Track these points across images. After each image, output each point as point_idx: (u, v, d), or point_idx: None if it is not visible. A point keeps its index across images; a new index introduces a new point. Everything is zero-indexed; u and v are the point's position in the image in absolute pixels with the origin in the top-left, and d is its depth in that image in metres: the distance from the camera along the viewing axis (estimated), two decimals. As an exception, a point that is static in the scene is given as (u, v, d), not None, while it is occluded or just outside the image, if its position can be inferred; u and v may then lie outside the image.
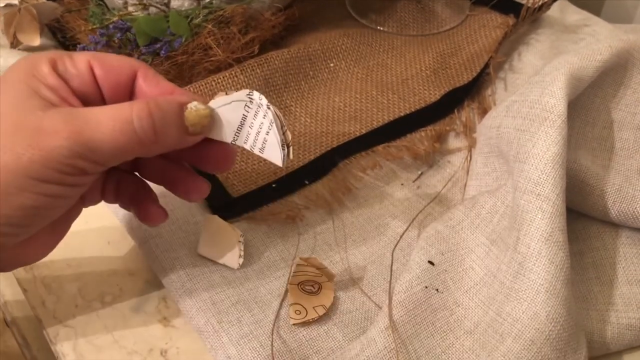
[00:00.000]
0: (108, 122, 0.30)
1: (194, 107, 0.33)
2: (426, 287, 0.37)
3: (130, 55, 0.50)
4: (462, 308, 0.37)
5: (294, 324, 0.37)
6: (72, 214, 0.35)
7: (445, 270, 0.38)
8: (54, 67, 0.32)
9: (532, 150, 0.37)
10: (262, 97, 0.34)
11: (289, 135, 0.35)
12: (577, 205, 0.42)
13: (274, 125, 0.34)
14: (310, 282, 0.38)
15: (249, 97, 0.34)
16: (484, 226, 0.40)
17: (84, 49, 0.51)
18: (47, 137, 0.29)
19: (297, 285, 0.38)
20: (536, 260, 0.34)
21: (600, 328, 0.37)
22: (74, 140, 0.29)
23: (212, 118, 0.34)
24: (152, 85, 0.34)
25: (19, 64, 0.32)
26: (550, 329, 0.33)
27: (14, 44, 0.56)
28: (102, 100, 0.34)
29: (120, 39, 0.50)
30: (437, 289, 0.37)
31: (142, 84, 0.34)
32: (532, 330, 0.33)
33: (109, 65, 0.33)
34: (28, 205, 0.29)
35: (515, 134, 0.39)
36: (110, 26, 0.50)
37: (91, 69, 0.33)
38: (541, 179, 0.36)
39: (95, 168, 0.31)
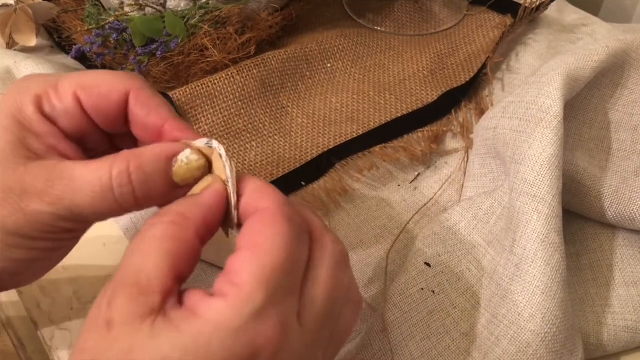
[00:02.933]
0: (89, 190, 0.28)
1: (186, 159, 0.29)
2: (422, 289, 0.37)
3: (126, 56, 0.50)
4: (458, 310, 0.37)
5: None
6: (65, 254, 0.34)
7: (442, 272, 0.38)
8: (40, 108, 0.30)
9: (528, 152, 0.37)
10: (222, 147, 0.30)
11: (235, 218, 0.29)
12: (574, 207, 0.42)
13: (230, 180, 0.29)
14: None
15: (208, 145, 0.30)
16: (481, 227, 0.40)
17: (79, 49, 0.51)
18: (30, 202, 0.28)
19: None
20: (532, 262, 0.34)
21: (597, 330, 0.37)
22: (57, 207, 0.28)
23: (205, 168, 0.30)
24: (143, 113, 0.31)
25: (5, 104, 0.30)
26: (547, 331, 0.33)
27: (10, 44, 0.56)
28: (97, 129, 0.32)
29: (116, 40, 0.50)
30: (433, 291, 0.37)
31: (134, 109, 0.31)
32: (528, 332, 0.33)
33: (97, 94, 0.30)
34: (21, 258, 0.29)
35: (512, 135, 0.39)
36: (107, 27, 0.50)
37: (79, 101, 0.30)
38: (537, 181, 0.36)
39: (81, 226, 0.30)
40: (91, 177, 0.28)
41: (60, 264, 0.40)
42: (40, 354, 0.41)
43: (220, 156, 0.30)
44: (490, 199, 0.41)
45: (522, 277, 0.34)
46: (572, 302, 0.38)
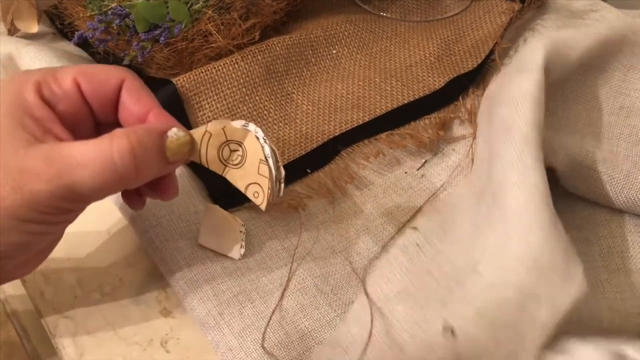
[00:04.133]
0: (89, 164, 0.29)
1: (175, 134, 0.32)
2: (404, 245, 0.37)
3: (129, 42, 0.49)
4: (443, 255, 0.36)
5: (265, 208, 0.36)
6: (58, 238, 0.35)
7: (429, 229, 0.38)
8: (39, 93, 0.31)
9: (507, 94, 0.37)
10: (258, 129, 0.34)
11: (283, 172, 0.35)
12: (584, 192, 0.41)
13: (270, 159, 0.34)
14: (229, 150, 0.36)
15: (244, 127, 0.34)
16: (472, 187, 0.39)
17: (82, 35, 0.50)
18: (29, 180, 0.28)
19: (222, 161, 0.36)
20: (504, 185, 0.33)
21: (610, 316, 0.37)
22: (55, 184, 0.28)
23: (193, 145, 0.34)
24: (133, 100, 0.33)
25: (6, 89, 0.31)
26: (526, 253, 0.31)
27: (12, 31, 0.56)
28: (90, 116, 0.34)
29: (119, 26, 0.49)
30: (417, 244, 0.37)
31: (125, 96, 0.33)
32: (506, 257, 0.31)
33: (96, 80, 0.33)
34: (14, 242, 0.29)
35: (497, 89, 0.40)
36: (109, 12, 0.49)
37: (78, 86, 0.32)
38: (510, 115, 0.36)
39: (78, 206, 0.31)
40: (91, 153, 0.29)
41: (64, 253, 0.40)
42: (44, 342, 0.41)
43: (257, 138, 0.35)
44: (478, 160, 0.40)
45: (498, 202, 0.33)
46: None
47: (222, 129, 0.34)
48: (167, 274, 0.39)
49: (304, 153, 0.46)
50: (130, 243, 0.41)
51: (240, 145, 0.35)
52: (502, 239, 0.32)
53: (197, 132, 0.34)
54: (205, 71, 0.48)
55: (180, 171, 0.44)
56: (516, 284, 0.31)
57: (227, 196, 0.42)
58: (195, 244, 0.40)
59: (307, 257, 0.40)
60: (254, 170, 0.35)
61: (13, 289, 0.42)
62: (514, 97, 0.37)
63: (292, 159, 0.46)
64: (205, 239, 0.40)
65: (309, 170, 0.45)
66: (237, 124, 0.35)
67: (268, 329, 0.36)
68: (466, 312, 0.31)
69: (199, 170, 0.44)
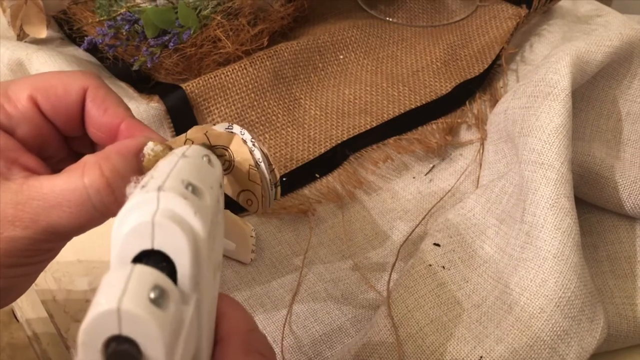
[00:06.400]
0: (63, 204, 0.26)
1: (151, 151, 0.28)
2: (430, 265, 0.37)
3: (138, 47, 0.49)
4: (470, 284, 0.36)
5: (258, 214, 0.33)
6: (42, 269, 0.32)
7: (453, 250, 0.38)
8: None
9: (536, 124, 0.37)
10: (245, 131, 0.31)
11: (277, 174, 0.32)
12: (592, 198, 0.41)
13: (261, 164, 0.31)
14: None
15: (228, 131, 0.31)
16: (494, 208, 0.39)
17: (91, 41, 0.50)
18: (4, 228, 0.26)
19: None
20: (542, 228, 0.34)
21: (617, 322, 0.37)
22: (33, 230, 0.26)
23: None
24: (100, 112, 0.29)
25: None
26: (560, 295, 0.32)
27: (21, 36, 0.56)
28: (56, 133, 0.30)
29: (128, 31, 0.49)
30: (443, 267, 0.37)
31: (90, 108, 0.30)
32: (541, 297, 0.32)
33: (54, 94, 0.29)
34: (1, 287, 0.27)
35: (520, 112, 0.39)
36: (118, 18, 0.50)
37: (36, 104, 0.29)
38: (544, 149, 0.36)
39: (61, 243, 0.29)
40: (63, 190, 0.26)
41: (76, 256, 0.40)
42: (54, 346, 0.41)
43: (245, 141, 0.30)
44: (502, 180, 0.40)
45: (533, 243, 0.34)
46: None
47: (205, 134, 0.31)
48: (178, 278, 0.39)
49: (312, 158, 0.46)
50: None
51: (227, 150, 0.32)
52: (537, 279, 0.33)
53: (176, 142, 0.30)
54: (214, 77, 0.48)
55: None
56: (550, 325, 0.32)
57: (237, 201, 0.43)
58: (205, 249, 0.40)
59: (317, 262, 0.40)
60: (243, 176, 0.32)
61: (25, 293, 0.42)
62: (545, 130, 0.36)
63: (300, 164, 0.46)
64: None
65: (317, 175, 0.46)
66: (220, 127, 0.31)
67: (279, 334, 0.36)
68: (501, 351, 0.32)
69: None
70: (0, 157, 0.27)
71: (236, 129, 0.31)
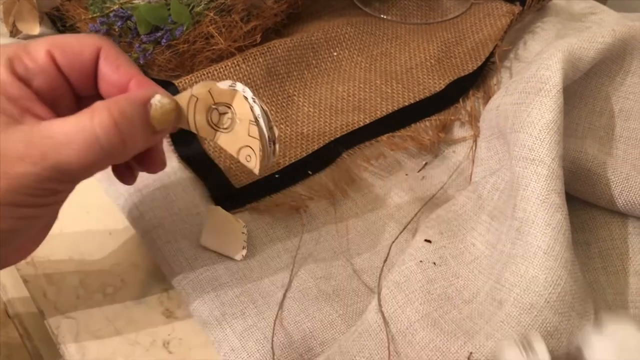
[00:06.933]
0: (72, 142, 0.28)
1: (159, 102, 0.30)
2: (421, 262, 0.37)
3: (131, 44, 0.49)
4: (461, 280, 0.36)
5: (259, 172, 0.33)
6: (52, 220, 0.34)
7: (444, 247, 0.38)
8: (13, 70, 0.29)
9: (527, 119, 0.37)
10: (246, 89, 0.32)
11: (276, 131, 0.33)
12: (584, 195, 0.41)
13: (260, 119, 0.32)
14: (218, 114, 0.33)
15: (231, 88, 0.32)
16: (486, 205, 0.39)
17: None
18: (13, 164, 0.27)
19: (212, 126, 0.33)
20: (532, 224, 0.34)
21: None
22: (41, 167, 0.27)
23: (179, 111, 0.31)
24: (112, 69, 0.31)
25: None
26: (550, 292, 0.32)
27: (14, 32, 0.56)
28: (69, 90, 0.32)
29: (120, 28, 0.49)
30: (434, 262, 0.37)
31: (103, 66, 0.32)
32: (531, 293, 0.32)
33: (70, 51, 0.31)
34: (4, 229, 0.28)
35: (512, 108, 0.39)
36: (111, 14, 0.49)
37: (53, 59, 0.31)
38: (535, 145, 0.36)
39: (67, 186, 0.30)
40: (73, 130, 0.28)
41: (67, 254, 0.40)
42: (46, 343, 0.41)
43: (246, 98, 0.32)
44: (494, 177, 0.40)
45: (524, 239, 0.34)
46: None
47: (209, 91, 0.32)
48: (169, 275, 0.39)
49: (305, 155, 0.46)
50: (132, 244, 0.41)
51: (229, 107, 0.33)
52: (527, 275, 0.33)
53: (182, 98, 0.32)
54: (207, 73, 0.48)
55: (182, 173, 0.44)
56: (540, 321, 0.32)
57: (229, 198, 0.43)
58: (197, 245, 0.40)
59: (309, 259, 0.40)
60: (244, 132, 0.33)
61: (15, 289, 0.42)
62: (536, 126, 0.36)
63: (293, 160, 0.46)
64: (208, 240, 0.40)
65: (310, 172, 0.45)
66: (224, 84, 0.32)
67: (270, 330, 0.36)
68: (491, 347, 0.32)
69: (200, 171, 0.44)
70: (14, 104, 0.29)
71: (239, 86, 0.32)
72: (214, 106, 0.32)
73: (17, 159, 0.27)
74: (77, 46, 0.31)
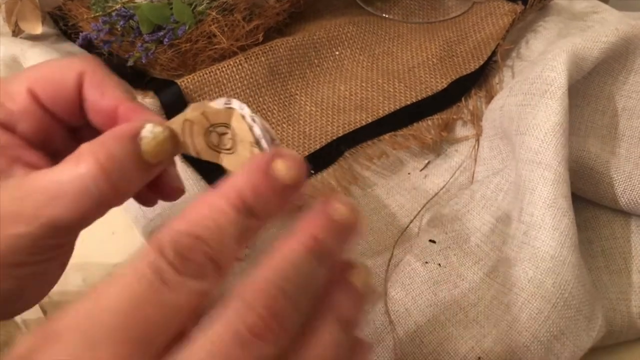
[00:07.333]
0: (61, 195, 0.25)
1: (150, 133, 0.26)
2: (426, 263, 0.37)
3: (133, 43, 0.49)
4: (466, 282, 0.36)
5: None
6: (60, 268, 0.31)
7: (449, 247, 0.38)
8: None
9: (533, 122, 0.37)
10: (244, 106, 0.29)
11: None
12: (586, 193, 0.41)
13: (262, 140, 0.29)
14: (217, 135, 0.30)
15: (227, 107, 0.29)
16: (490, 205, 0.39)
17: (86, 37, 0.50)
18: (6, 225, 0.25)
19: (213, 148, 0.30)
20: (540, 228, 0.34)
21: (610, 317, 0.37)
22: (35, 226, 0.25)
23: (174, 139, 0.28)
24: (97, 96, 0.29)
25: None
26: (558, 297, 0.32)
27: (16, 32, 0.56)
28: (59, 125, 0.30)
29: (123, 27, 0.49)
30: (439, 264, 0.37)
31: (88, 93, 0.29)
32: (539, 299, 0.32)
33: (52, 83, 0.28)
34: (9, 288, 0.27)
35: (517, 109, 0.39)
36: (113, 14, 0.49)
37: (35, 97, 0.28)
38: (542, 148, 0.36)
39: (66, 239, 0.28)
40: (60, 181, 0.25)
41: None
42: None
43: (243, 117, 0.28)
44: (497, 177, 0.40)
45: (531, 243, 0.34)
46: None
47: (202, 113, 0.29)
48: (172, 274, 0.39)
49: (307, 154, 0.46)
50: (135, 243, 0.42)
51: (228, 127, 0.30)
52: (535, 280, 0.33)
53: (175, 123, 0.28)
54: (209, 72, 0.48)
55: (185, 173, 0.44)
56: (547, 325, 0.32)
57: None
58: (199, 244, 0.40)
59: (311, 257, 0.40)
60: (247, 153, 0.30)
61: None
62: (542, 129, 0.36)
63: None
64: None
65: (312, 171, 0.45)
66: (218, 103, 0.29)
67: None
68: (499, 351, 0.32)
69: (203, 171, 0.44)
70: (1, 155, 0.27)
71: (235, 103, 0.29)
72: (210, 128, 0.29)
73: (9, 220, 0.25)
74: (59, 75, 0.29)
